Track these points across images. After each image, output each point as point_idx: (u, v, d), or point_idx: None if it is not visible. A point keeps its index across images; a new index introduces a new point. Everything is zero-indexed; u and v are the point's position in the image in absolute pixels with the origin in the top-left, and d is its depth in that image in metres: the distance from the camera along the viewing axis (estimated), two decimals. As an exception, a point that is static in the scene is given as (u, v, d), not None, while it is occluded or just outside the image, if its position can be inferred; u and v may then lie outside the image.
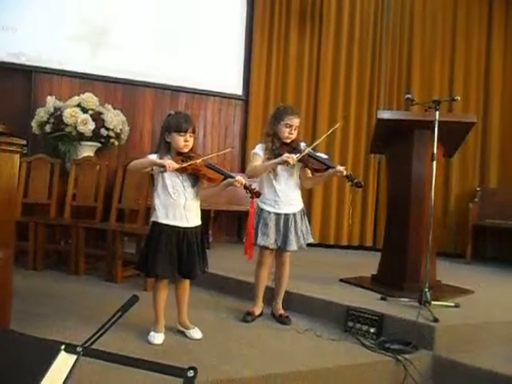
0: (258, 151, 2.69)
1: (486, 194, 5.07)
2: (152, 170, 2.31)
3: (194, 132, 2.33)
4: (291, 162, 2.53)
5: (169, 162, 2.20)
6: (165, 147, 2.32)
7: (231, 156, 5.50)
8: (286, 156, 2.54)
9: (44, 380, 0.88)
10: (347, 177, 2.59)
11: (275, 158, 2.64)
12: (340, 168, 2.57)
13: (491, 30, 5.30)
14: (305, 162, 2.63)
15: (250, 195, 2.35)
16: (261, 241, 2.63)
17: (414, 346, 2.37)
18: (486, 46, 5.32)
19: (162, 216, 2.30)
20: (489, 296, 3.21)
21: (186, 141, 2.29)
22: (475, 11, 5.33)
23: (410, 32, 5.44)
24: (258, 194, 2.37)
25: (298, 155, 2.56)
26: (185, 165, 2.24)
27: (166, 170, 2.19)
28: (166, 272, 2.28)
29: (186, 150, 2.31)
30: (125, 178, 4.01)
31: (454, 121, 3.12)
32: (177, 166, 2.21)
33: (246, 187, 2.31)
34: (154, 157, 2.30)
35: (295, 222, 2.67)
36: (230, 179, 2.30)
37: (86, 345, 0.97)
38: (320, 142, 2.85)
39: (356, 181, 2.59)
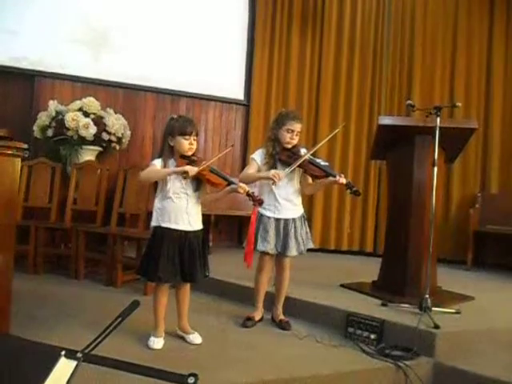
0: (256, 157, 2.71)
1: (486, 199, 5.07)
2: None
3: (197, 135, 2.35)
4: (276, 181, 2.51)
5: (188, 167, 2.21)
6: (168, 151, 2.33)
7: (232, 160, 5.51)
8: (271, 174, 2.52)
9: (44, 386, 0.87)
10: (346, 185, 2.59)
11: (274, 162, 2.65)
12: (339, 175, 2.58)
13: (492, 36, 5.31)
14: (304, 168, 2.64)
15: (252, 203, 2.35)
16: (261, 246, 2.62)
17: (414, 352, 2.36)
18: (487, 52, 5.33)
19: (165, 220, 2.30)
20: (490, 302, 3.20)
21: (190, 144, 2.31)
22: (476, 17, 5.35)
23: (411, 37, 5.45)
24: (260, 202, 2.37)
25: (286, 170, 2.56)
26: (201, 167, 2.24)
27: (188, 176, 2.21)
28: (169, 276, 2.28)
29: (190, 153, 2.33)
30: (126, 182, 4.01)
31: (455, 127, 3.12)
32: (196, 169, 2.22)
33: (248, 194, 2.30)
34: (158, 162, 2.31)
35: (295, 227, 2.67)
36: (233, 185, 2.30)
37: (87, 350, 0.97)
38: (318, 148, 2.86)
39: (355, 189, 2.60)
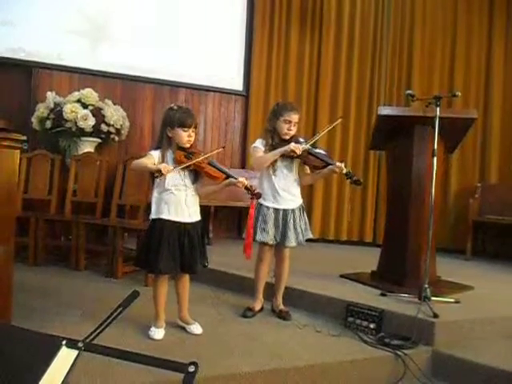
0: (259, 145, 2.69)
1: (486, 189, 5.07)
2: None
3: (196, 127, 2.33)
4: (298, 152, 2.53)
5: (163, 166, 2.18)
6: (166, 142, 2.32)
7: (231, 151, 5.50)
8: (293, 145, 2.54)
9: (45, 375, 0.88)
10: (346, 174, 2.59)
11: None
12: (339, 165, 2.58)
13: (492, 25, 5.28)
14: (304, 159, 2.63)
15: (250, 196, 2.36)
16: (260, 237, 2.63)
17: (413, 341, 2.37)
18: (487, 41, 5.29)
19: (164, 212, 2.30)
20: (489, 292, 3.21)
21: (189, 136, 2.30)
22: (475, 6, 5.30)
23: (410, 28, 5.41)
24: (258, 196, 2.39)
25: (303, 145, 2.56)
26: (185, 165, 2.23)
27: (161, 175, 2.18)
28: (169, 267, 2.28)
29: (188, 146, 2.32)
30: (125, 174, 4.01)
31: (454, 117, 3.12)
32: (171, 168, 2.20)
33: (247, 188, 2.31)
34: (156, 154, 2.30)
35: (294, 217, 2.67)
36: (232, 179, 2.30)
37: (88, 340, 0.98)
38: (319, 137, 2.85)
39: (355, 178, 2.60)
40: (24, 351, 0.93)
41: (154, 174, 2.21)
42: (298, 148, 2.53)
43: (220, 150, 2.58)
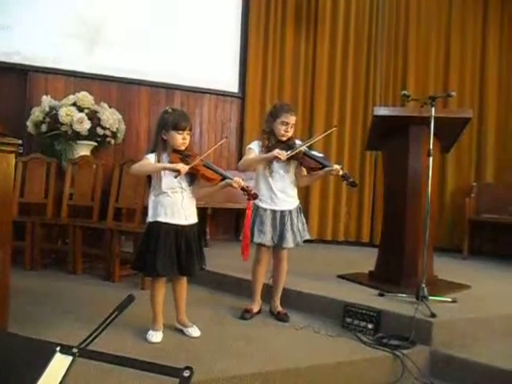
0: (253, 147, 2.70)
1: (482, 188, 5.08)
2: None
3: (190, 130, 2.33)
4: (282, 158, 2.53)
5: (180, 166, 2.19)
6: (161, 145, 2.32)
7: (228, 153, 5.50)
8: (276, 152, 2.54)
9: (39, 382, 0.87)
10: (342, 176, 2.59)
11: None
12: (336, 167, 2.58)
13: (486, 25, 5.29)
14: (300, 160, 2.64)
15: (247, 197, 2.36)
16: (257, 238, 2.63)
17: (411, 341, 2.37)
18: (482, 40, 5.31)
19: (161, 215, 2.29)
20: (486, 291, 3.22)
21: (183, 139, 2.30)
22: (470, 6, 5.33)
23: (405, 28, 5.43)
24: (255, 196, 2.38)
25: (289, 152, 2.56)
26: (192, 164, 2.23)
27: (180, 175, 2.19)
28: (166, 270, 2.28)
29: (183, 148, 2.32)
30: (121, 177, 4.00)
31: (449, 116, 3.13)
32: (187, 168, 2.20)
33: (243, 189, 2.31)
34: (152, 157, 2.30)
35: (291, 219, 2.67)
36: (228, 180, 2.30)
37: (82, 346, 0.97)
38: (315, 141, 2.86)
39: (351, 180, 2.60)
40: (17, 358, 0.93)
41: (173, 174, 2.20)
42: (281, 154, 2.52)
43: (222, 141, 2.63)
